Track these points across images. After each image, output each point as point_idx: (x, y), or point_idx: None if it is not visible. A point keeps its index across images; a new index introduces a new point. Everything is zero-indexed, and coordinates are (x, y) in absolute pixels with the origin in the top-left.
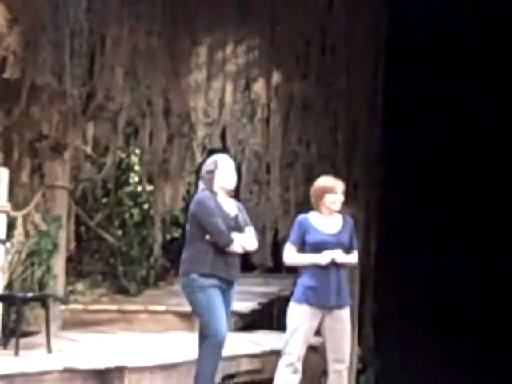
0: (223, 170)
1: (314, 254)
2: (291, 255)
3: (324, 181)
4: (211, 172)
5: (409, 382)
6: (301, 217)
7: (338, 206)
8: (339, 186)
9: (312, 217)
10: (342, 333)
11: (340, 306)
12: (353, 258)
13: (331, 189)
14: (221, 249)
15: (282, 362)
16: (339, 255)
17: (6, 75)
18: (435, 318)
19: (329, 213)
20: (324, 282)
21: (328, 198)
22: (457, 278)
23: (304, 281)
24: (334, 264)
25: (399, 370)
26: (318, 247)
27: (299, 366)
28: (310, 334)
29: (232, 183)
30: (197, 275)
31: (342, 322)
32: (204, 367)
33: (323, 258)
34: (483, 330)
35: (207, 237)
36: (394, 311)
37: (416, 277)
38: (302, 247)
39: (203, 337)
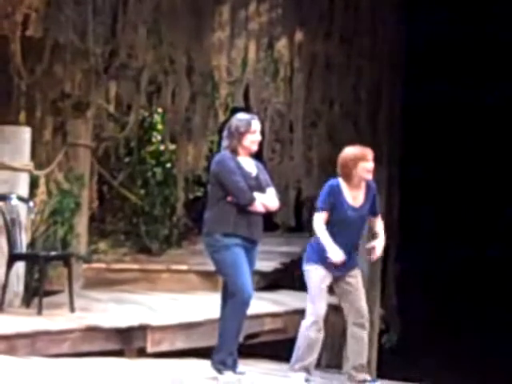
0: (254, 134)
1: (337, 227)
2: (320, 225)
3: (354, 150)
4: (242, 133)
5: (431, 342)
6: (332, 182)
7: (370, 175)
8: (369, 153)
9: (342, 184)
10: (356, 288)
11: (352, 268)
12: (380, 226)
13: (364, 157)
14: (243, 208)
15: (306, 320)
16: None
17: (28, 33)
18: (460, 276)
19: (359, 182)
20: (338, 245)
21: (362, 165)
22: (482, 233)
23: (318, 245)
24: (350, 231)
25: (422, 330)
26: (342, 222)
27: (321, 324)
28: (327, 293)
29: (256, 147)
30: (220, 235)
31: (356, 280)
32: (229, 326)
33: (336, 256)
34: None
35: (229, 198)
36: (418, 271)
37: (439, 235)
38: (330, 214)
39: (228, 295)
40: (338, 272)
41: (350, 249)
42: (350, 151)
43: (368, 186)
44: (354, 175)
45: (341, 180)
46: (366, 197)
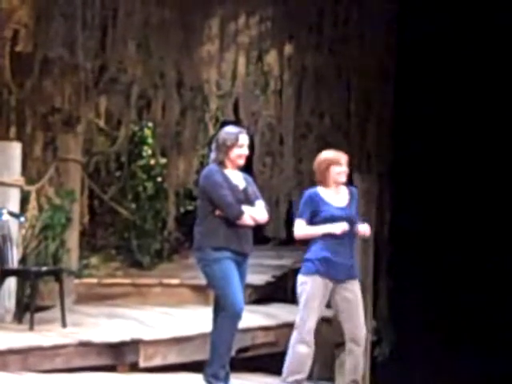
0: (241, 148)
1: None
2: (302, 229)
3: (327, 153)
4: (229, 147)
5: (424, 355)
6: (310, 191)
7: (343, 178)
8: (343, 157)
9: (321, 191)
10: (356, 304)
11: (351, 278)
12: (366, 227)
13: (335, 160)
14: (232, 222)
15: (295, 335)
16: (365, 230)
17: (18, 48)
18: (451, 288)
19: (335, 185)
20: (336, 253)
21: (334, 169)
22: (474, 247)
23: (314, 253)
24: (346, 236)
25: (414, 342)
26: (330, 221)
27: (312, 338)
28: (321, 306)
29: (243, 161)
30: (210, 249)
31: (355, 293)
32: (221, 339)
33: (337, 227)
34: (503, 301)
35: (217, 212)
36: (409, 283)
37: (431, 247)
38: (312, 222)
39: (220, 309)
40: (338, 277)
41: (346, 255)
42: (322, 155)
43: (350, 191)
44: (328, 179)
45: (319, 187)
46: (350, 200)
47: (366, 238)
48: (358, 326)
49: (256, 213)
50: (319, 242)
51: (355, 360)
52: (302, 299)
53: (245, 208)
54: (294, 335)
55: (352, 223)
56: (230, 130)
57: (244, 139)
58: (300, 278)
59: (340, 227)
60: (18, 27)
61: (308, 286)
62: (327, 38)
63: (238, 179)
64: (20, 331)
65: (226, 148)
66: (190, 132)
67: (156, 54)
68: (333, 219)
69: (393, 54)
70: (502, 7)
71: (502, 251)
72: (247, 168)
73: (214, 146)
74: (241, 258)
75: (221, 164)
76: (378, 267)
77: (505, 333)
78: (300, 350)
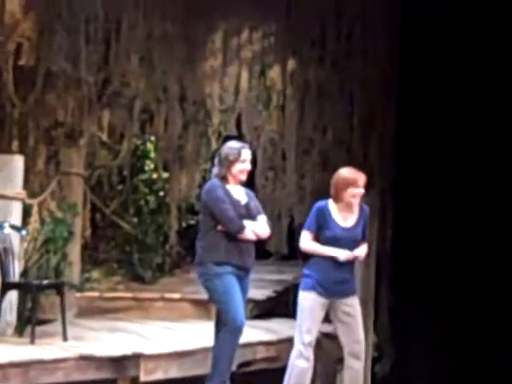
0: (243, 163)
1: (328, 246)
2: (308, 243)
3: (347, 173)
4: (231, 161)
5: (425, 371)
6: (320, 204)
7: (358, 200)
8: (362, 178)
9: (331, 205)
10: (355, 318)
11: (348, 294)
12: (364, 250)
13: (354, 182)
14: (234, 237)
15: (294, 350)
16: (359, 254)
17: (21, 62)
18: (453, 305)
19: (348, 204)
20: (335, 270)
21: (350, 191)
22: (477, 263)
23: (313, 269)
24: (346, 250)
25: (415, 358)
26: (333, 241)
27: (311, 353)
28: (318, 321)
29: (245, 176)
30: (212, 264)
31: (354, 308)
32: (222, 354)
33: (342, 254)
34: (505, 317)
35: (219, 227)
36: (411, 299)
37: (433, 264)
38: (318, 235)
39: (221, 324)
40: (335, 296)
41: (345, 271)
42: (342, 174)
43: (361, 210)
44: (342, 198)
45: (331, 201)
46: (359, 220)
47: (360, 259)
48: (357, 340)
49: (258, 227)
50: (319, 259)
51: (354, 375)
52: (299, 314)
53: (246, 223)
54: (293, 350)
55: (355, 245)
56: (233, 145)
57: (246, 154)
58: (299, 293)
59: (344, 255)
60: (21, 40)
61: (306, 301)
62: (330, 52)
63: (240, 194)
64: (21, 344)
65: (228, 163)
66: (193, 146)
67: (159, 67)
68: (336, 240)
69: (395, 68)
70: (505, 19)
71: (506, 266)
72: (249, 183)
73: (216, 160)
74: (242, 273)
75: (223, 179)
76: (379, 283)
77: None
78: (299, 365)
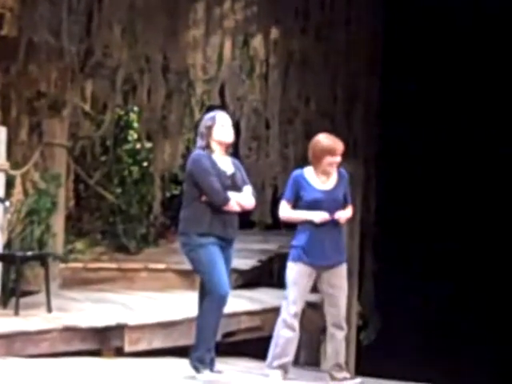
0: (221, 125)
1: (308, 211)
2: (286, 211)
3: (325, 141)
4: (209, 127)
5: (409, 339)
6: (296, 173)
7: (334, 168)
8: (340, 147)
9: (307, 172)
10: (340, 289)
11: (336, 264)
12: (348, 212)
13: (331, 151)
14: (218, 208)
15: (280, 319)
16: (339, 217)
17: (3, 33)
18: (437, 273)
19: (325, 171)
20: (318, 241)
21: (327, 159)
22: (458, 230)
23: (300, 240)
24: (329, 222)
25: (399, 326)
26: (313, 205)
27: (297, 322)
28: (305, 292)
29: (229, 137)
30: (195, 235)
31: (339, 279)
32: (207, 323)
33: (317, 216)
34: (489, 285)
35: (203, 197)
36: (394, 267)
37: (416, 233)
38: (297, 204)
39: (205, 293)
40: (322, 265)
41: (331, 239)
42: (321, 142)
43: (340, 174)
44: (318, 165)
45: (307, 168)
46: (338, 183)
47: (345, 222)
48: (340, 311)
49: (243, 199)
50: (304, 228)
51: (337, 345)
52: (287, 284)
53: (231, 194)
54: (279, 320)
55: (337, 207)
56: (208, 115)
57: (223, 118)
58: (287, 264)
59: (319, 216)
60: (3, 11)
61: (293, 272)
62: (313, 22)
63: (226, 164)
64: (5, 316)
65: (207, 130)
66: (176, 116)
67: (142, 38)
68: (316, 203)
69: (380, 39)
70: None
71: (487, 233)
72: (233, 152)
73: (198, 132)
74: (225, 244)
75: (207, 148)
76: (363, 252)
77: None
78: (285, 335)
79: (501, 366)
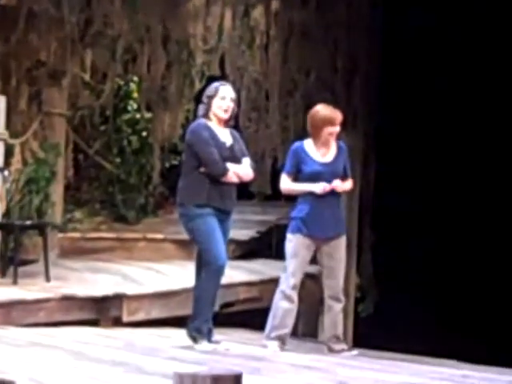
0: (221, 98)
1: (309, 183)
2: (286, 184)
3: (324, 111)
4: (210, 97)
5: (407, 311)
6: (296, 145)
7: (333, 138)
8: (339, 116)
9: (307, 145)
10: (338, 261)
11: (336, 236)
12: (348, 184)
13: (331, 120)
14: (216, 179)
15: (279, 290)
16: (336, 186)
17: (2, 2)
18: (435, 244)
19: (326, 141)
20: (318, 213)
21: (327, 129)
22: (457, 203)
23: (299, 211)
24: (328, 194)
25: (398, 298)
26: (313, 177)
27: (295, 294)
28: (304, 264)
29: (224, 114)
30: (192, 206)
31: (339, 251)
32: (204, 293)
33: (318, 187)
34: (492, 259)
35: (202, 168)
36: (393, 239)
37: (415, 204)
38: (297, 176)
39: (203, 263)
40: (322, 235)
41: (330, 210)
42: (320, 112)
43: (339, 146)
44: (318, 136)
45: (307, 140)
46: (337, 155)
47: (344, 194)
48: (338, 283)
49: (241, 170)
50: (304, 199)
51: (335, 316)
52: (287, 256)
53: (230, 165)
54: (278, 291)
55: (338, 178)
56: (213, 84)
57: (225, 91)
58: (287, 236)
59: (320, 187)
60: None
61: (292, 243)
62: None
63: (226, 136)
64: (3, 285)
65: (208, 99)
66: (176, 87)
67: (142, 8)
68: (316, 175)
69: (380, 11)
70: None
71: (487, 202)
72: (234, 124)
73: (201, 100)
74: (223, 216)
75: (205, 117)
76: (362, 224)
77: (481, 290)
78: (283, 306)
79: (500, 338)
